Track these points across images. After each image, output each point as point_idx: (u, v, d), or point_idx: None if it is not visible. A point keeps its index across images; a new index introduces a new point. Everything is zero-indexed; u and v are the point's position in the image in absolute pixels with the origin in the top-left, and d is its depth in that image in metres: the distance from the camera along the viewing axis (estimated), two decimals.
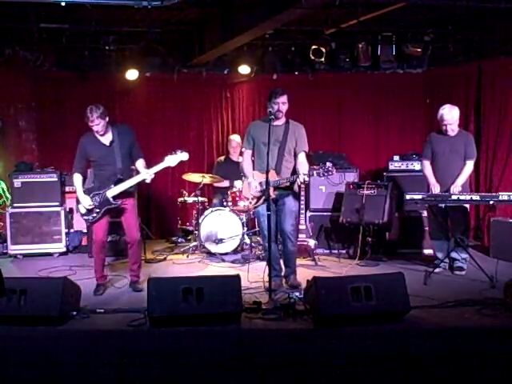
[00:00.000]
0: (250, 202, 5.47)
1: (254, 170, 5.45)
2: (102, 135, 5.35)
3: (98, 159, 5.39)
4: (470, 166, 5.96)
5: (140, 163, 5.45)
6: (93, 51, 7.69)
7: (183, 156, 5.42)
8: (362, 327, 4.28)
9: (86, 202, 5.34)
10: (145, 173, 5.33)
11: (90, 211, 5.36)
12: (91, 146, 5.37)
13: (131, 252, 5.56)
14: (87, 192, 5.38)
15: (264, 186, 5.08)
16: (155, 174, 5.36)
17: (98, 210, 5.34)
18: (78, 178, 5.43)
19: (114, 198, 5.31)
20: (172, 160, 5.38)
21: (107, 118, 5.32)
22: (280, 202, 5.31)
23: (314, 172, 5.12)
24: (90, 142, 5.38)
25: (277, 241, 5.58)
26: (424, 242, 6.93)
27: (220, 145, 8.52)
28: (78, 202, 5.48)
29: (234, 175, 7.05)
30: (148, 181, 5.35)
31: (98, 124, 5.23)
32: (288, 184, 5.26)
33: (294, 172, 5.31)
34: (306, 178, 5.12)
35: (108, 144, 5.37)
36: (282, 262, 5.56)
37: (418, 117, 8.46)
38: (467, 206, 6.00)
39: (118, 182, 5.31)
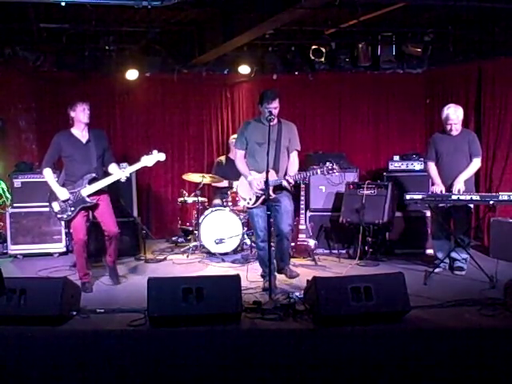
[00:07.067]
0: (248, 202, 5.42)
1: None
2: (85, 124, 5.37)
3: (72, 155, 5.39)
4: (476, 163, 5.92)
5: (113, 167, 5.52)
6: (93, 51, 7.67)
7: (160, 156, 5.46)
8: (362, 327, 4.27)
9: (64, 194, 5.33)
10: (120, 172, 5.38)
11: (64, 210, 5.37)
12: (67, 142, 5.40)
13: (111, 248, 5.55)
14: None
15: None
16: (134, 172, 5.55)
17: (72, 209, 5.35)
18: (49, 172, 5.45)
19: (89, 196, 5.35)
20: (148, 160, 5.42)
21: None
22: (276, 201, 5.29)
23: (318, 170, 5.12)
24: (66, 138, 5.43)
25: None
26: (427, 242, 6.91)
27: (220, 145, 8.52)
28: (49, 201, 5.47)
29: (235, 175, 7.03)
30: (123, 180, 5.39)
31: (89, 112, 5.32)
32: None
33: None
34: (291, 180, 5.17)
35: (84, 142, 5.41)
36: (274, 261, 5.51)
37: (418, 117, 8.46)
38: (471, 205, 6.00)
39: (92, 180, 5.35)
